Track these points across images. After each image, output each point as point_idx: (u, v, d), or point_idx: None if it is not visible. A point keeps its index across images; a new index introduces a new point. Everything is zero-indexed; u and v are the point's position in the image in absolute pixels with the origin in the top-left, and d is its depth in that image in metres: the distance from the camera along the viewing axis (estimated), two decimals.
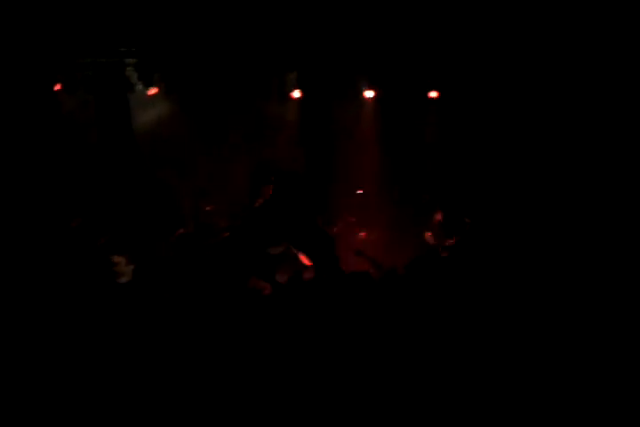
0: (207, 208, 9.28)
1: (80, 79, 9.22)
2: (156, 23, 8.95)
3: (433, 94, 9.95)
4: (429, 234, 8.75)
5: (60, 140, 9.00)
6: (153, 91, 9.64)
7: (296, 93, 9.97)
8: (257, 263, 8.95)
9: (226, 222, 9.43)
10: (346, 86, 10.00)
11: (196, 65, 9.57)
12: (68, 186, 9.09)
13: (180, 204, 9.54)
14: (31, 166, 8.65)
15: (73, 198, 8.98)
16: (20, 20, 8.08)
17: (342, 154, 10.23)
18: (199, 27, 9.07)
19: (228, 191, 9.94)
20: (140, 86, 9.59)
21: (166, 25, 9.00)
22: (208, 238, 8.84)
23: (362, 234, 8.70)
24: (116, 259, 7.23)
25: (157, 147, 9.80)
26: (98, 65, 9.28)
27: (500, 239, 8.54)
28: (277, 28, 9.21)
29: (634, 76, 8.34)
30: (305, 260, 8.59)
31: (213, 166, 9.96)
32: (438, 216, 8.75)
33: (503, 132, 9.37)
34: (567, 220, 8.46)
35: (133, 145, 9.75)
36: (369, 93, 10.10)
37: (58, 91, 8.98)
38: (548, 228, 8.47)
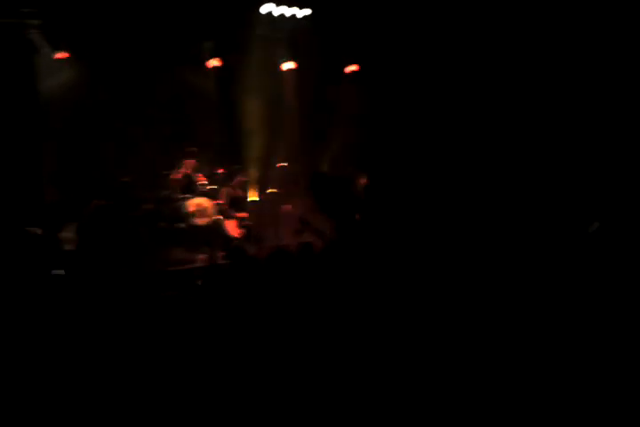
0: (124, 179, 8.93)
1: None
2: None
3: (353, 68, 10.11)
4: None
5: None
6: (60, 55, 9.06)
7: (215, 62, 9.75)
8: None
9: (143, 194, 9.18)
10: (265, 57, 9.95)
11: (107, 29, 9.11)
12: None
13: (94, 174, 9.13)
14: None
15: None
16: None
17: (260, 126, 10.17)
18: None
19: (143, 161, 9.64)
20: (46, 50, 8.97)
21: None
22: (129, 210, 8.57)
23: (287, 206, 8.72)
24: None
25: (67, 115, 9.24)
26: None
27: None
28: None
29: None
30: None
31: (128, 136, 9.56)
32: (362, 182, 8.96)
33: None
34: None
35: (38, 112, 9.15)
36: (288, 65, 10.11)
37: None
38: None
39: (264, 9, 9.76)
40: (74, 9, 8.92)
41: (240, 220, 8.69)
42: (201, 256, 9.04)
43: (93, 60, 9.21)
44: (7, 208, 8.17)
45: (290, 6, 9.60)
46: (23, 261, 7.55)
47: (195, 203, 8.89)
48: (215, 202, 8.99)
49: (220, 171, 9.46)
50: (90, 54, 9.15)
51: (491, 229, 5.69)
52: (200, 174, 9.22)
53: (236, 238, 8.58)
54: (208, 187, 9.20)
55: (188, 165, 9.11)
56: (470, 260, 4.90)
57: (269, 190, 9.50)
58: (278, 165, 9.73)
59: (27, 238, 7.91)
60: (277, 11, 9.68)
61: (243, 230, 8.69)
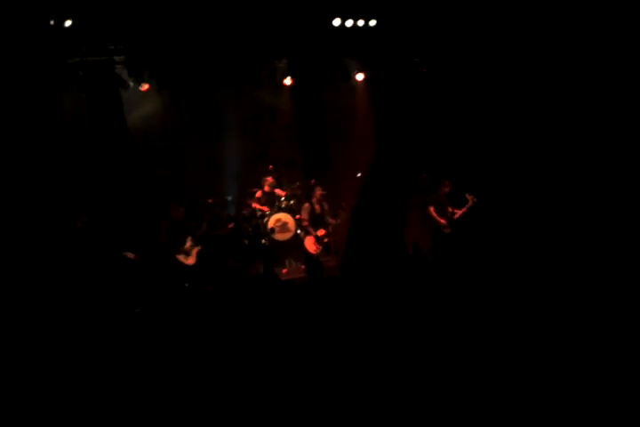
0: (209, 201, 9.34)
1: (71, 79, 9.14)
2: (142, 19, 8.94)
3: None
4: (432, 208, 8.90)
5: (58, 141, 8.96)
6: (145, 87, 9.62)
7: (287, 81, 10.00)
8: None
9: (227, 213, 9.56)
10: (336, 70, 10.11)
11: (185, 59, 9.58)
12: (68, 186, 9.07)
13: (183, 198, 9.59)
14: (31, 168, 8.63)
15: (74, 199, 8.99)
16: (9, 21, 8.04)
17: (338, 139, 10.35)
18: (185, 22, 9.10)
19: (226, 183, 10.03)
20: (131, 83, 9.56)
21: (152, 21, 9.00)
22: (217, 229, 8.97)
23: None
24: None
25: (153, 142, 9.80)
26: (87, 64, 9.26)
27: (502, 217, 8.68)
28: (263, 17, 9.27)
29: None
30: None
31: (210, 158, 9.99)
32: (446, 189, 8.90)
33: (502, 107, 9.42)
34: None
35: (129, 142, 9.74)
36: (359, 76, 10.21)
37: (53, 91, 8.90)
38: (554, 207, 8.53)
39: (335, 23, 9.89)
40: (155, 43, 9.44)
41: (319, 236, 8.82)
42: (283, 271, 9.32)
43: (174, 90, 9.72)
44: (103, 234, 8.76)
45: (355, 19, 9.66)
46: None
47: (275, 219, 9.16)
48: (296, 217, 9.22)
49: (299, 185, 9.69)
50: (170, 84, 9.66)
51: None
52: (280, 190, 9.49)
53: (314, 254, 8.73)
54: (289, 202, 9.46)
55: (268, 183, 9.39)
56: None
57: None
58: (358, 175, 9.80)
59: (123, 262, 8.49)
60: (344, 23, 9.75)
61: (321, 247, 8.82)
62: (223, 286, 8.50)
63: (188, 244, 8.48)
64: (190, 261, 8.45)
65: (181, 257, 8.43)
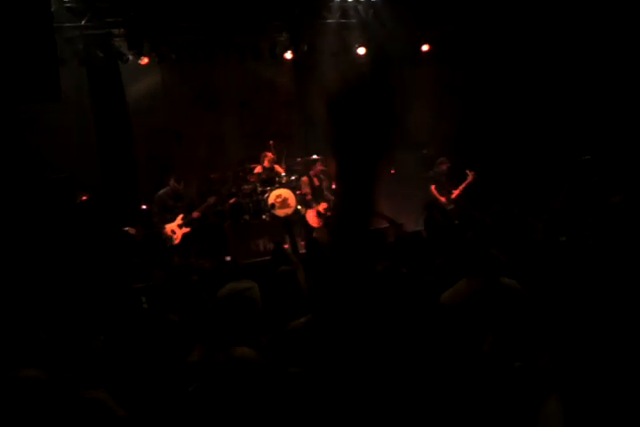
0: (212, 176, 9.35)
1: (71, 53, 9.06)
2: None
3: (425, 48, 9.98)
4: (433, 186, 8.92)
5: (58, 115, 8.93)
6: (144, 61, 9.54)
7: (288, 55, 9.92)
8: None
9: (228, 189, 9.57)
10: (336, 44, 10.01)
11: (185, 32, 9.49)
12: (67, 161, 9.06)
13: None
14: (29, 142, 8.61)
15: (74, 174, 8.98)
16: None
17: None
18: None
19: (227, 157, 10.01)
20: (130, 57, 9.48)
21: None
22: (217, 205, 8.97)
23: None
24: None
25: (152, 116, 9.76)
26: (86, 37, 9.17)
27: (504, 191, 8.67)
28: None
29: None
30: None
31: (210, 133, 9.96)
32: (444, 166, 8.89)
33: (503, 83, 9.38)
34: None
35: (128, 116, 9.70)
36: (360, 50, 10.12)
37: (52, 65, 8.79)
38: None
39: None
40: (154, 15, 9.32)
41: (320, 210, 8.87)
42: (285, 247, 9.34)
43: (173, 64, 9.65)
44: (104, 209, 8.78)
45: None
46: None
47: (275, 194, 9.17)
48: (297, 192, 9.23)
49: (300, 161, 9.68)
50: (170, 57, 9.59)
51: None
52: (280, 166, 9.48)
53: (316, 228, 8.79)
54: (289, 178, 9.47)
55: (268, 158, 9.38)
56: None
57: None
58: None
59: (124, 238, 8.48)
60: None
61: (323, 220, 8.87)
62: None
63: (177, 222, 8.48)
64: (176, 240, 8.45)
65: (168, 232, 8.42)
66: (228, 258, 8.09)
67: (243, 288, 4.64)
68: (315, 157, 9.43)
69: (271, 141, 9.45)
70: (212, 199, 8.63)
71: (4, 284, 5.91)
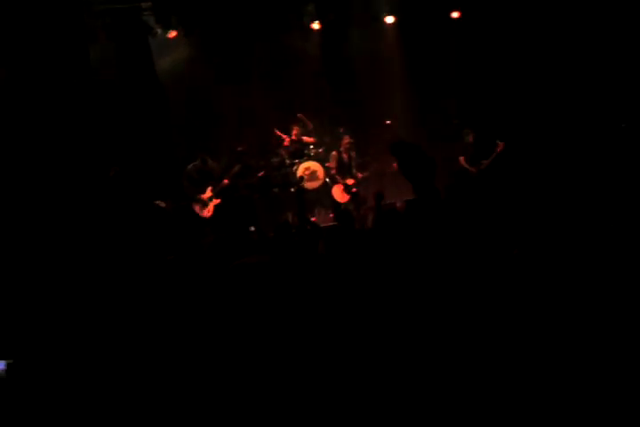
0: (239, 148, 9.39)
1: (99, 27, 9.10)
2: None
3: (454, 15, 9.79)
4: (462, 158, 8.83)
5: (88, 91, 9.01)
6: (172, 34, 9.54)
7: (315, 25, 9.82)
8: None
9: (257, 162, 9.60)
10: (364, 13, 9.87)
11: (212, 4, 9.44)
12: (99, 136, 9.17)
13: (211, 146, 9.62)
14: (63, 118, 8.72)
15: (106, 148, 9.10)
16: None
17: (367, 84, 10.18)
18: None
19: (256, 130, 10.01)
20: (159, 30, 9.49)
21: None
22: (246, 178, 9.03)
23: (394, 165, 8.68)
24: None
25: (181, 90, 9.79)
26: (114, 11, 9.19)
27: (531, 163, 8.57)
28: None
29: None
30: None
31: (240, 105, 9.95)
32: (470, 138, 8.78)
33: (528, 53, 9.19)
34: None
35: (158, 90, 9.74)
36: (389, 19, 9.96)
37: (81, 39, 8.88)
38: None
39: None
40: None
41: (348, 185, 8.86)
42: (313, 219, 9.39)
43: (201, 37, 9.64)
44: (135, 183, 8.89)
45: None
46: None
47: (304, 167, 9.18)
48: (326, 165, 9.22)
49: (329, 133, 9.65)
50: (197, 30, 9.57)
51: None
52: (308, 138, 9.46)
53: (343, 204, 8.80)
54: (317, 150, 9.45)
55: (296, 131, 9.36)
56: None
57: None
58: (385, 122, 9.67)
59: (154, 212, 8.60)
60: None
61: (350, 196, 8.86)
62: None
63: (207, 194, 8.54)
64: (206, 213, 8.52)
65: (197, 207, 8.51)
66: (252, 228, 8.25)
67: None
68: (342, 130, 9.37)
69: (299, 114, 9.42)
70: (237, 167, 8.76)
71: None
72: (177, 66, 9.77)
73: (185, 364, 3.66)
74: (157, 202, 8.67)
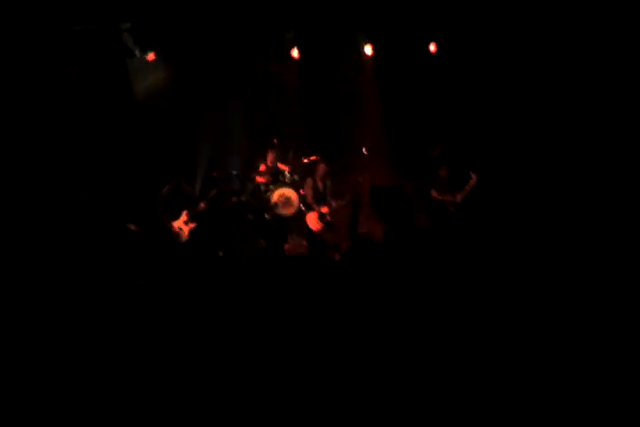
0: (215, 174, 9.35)
1: (77, 48, 9.06)
2: None
3: (432, 48, 9.95)
4: (435, 193, 8.77)
5: (64, 110, 8.94)
6: (151, 56, 9.54)
7: (294, 53, 9.89)
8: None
9: (232, 187, 9.57)
10: (344, 43, 9.97)
11: (191, 29, 9.47)
12: (73, 157, 9.08)
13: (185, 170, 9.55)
14: (39, 137, 8.63)
15: (79, 169, 9.01)
16: None
17: (345, 112, 10.26)
18: None
19: (231, 155, 10.00)
20: (137, 52, 9.47)
21: None
22: (222, 203, 8.98)
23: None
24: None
25: (159, 113, 9.75)
26: (93, 32, 9.16)
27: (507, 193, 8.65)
28: None
29: None
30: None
31: (216, 131, 9.94)
32: (443, 172, 8.78)
33: (505, 84, 9.35)
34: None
35: (134, 112, 9.71)
36: (367, 50, 10.08)
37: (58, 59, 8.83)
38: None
39: None
40: (161, 10, 9.32)
41: (322, 213, 8.83)
42: (286, 246, 9.35)
43: (180, 61, 9.65)
44: (108, 205, 8.79)
45: None
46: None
47: (279, 193, 9.15)
48: (301, 192, 9.19)
49: (306, 161, 9.64)
50: (176, 54, 9.58)
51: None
52: (284, 165, 9.45)
53: (317, 231, 8.76)
54: (292, 177, 9.44)
55: (272, 157, 9.35)
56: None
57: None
58: (364, 150, 9.70)
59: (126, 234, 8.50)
60: None
61: (323, 224, 8.82)
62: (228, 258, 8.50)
63: (183, 218, 8.51)
64: (182, 237, 8.46)
65: (175, 229, 8.43)
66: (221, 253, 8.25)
67: None
68: (317, 157, 9.38)
69: (275, 139, 9.42)
70: (213, 192, 8.73)
71: None
72: (154, 88, 9.74)
73: None
74: (129, 225, 8.57)
